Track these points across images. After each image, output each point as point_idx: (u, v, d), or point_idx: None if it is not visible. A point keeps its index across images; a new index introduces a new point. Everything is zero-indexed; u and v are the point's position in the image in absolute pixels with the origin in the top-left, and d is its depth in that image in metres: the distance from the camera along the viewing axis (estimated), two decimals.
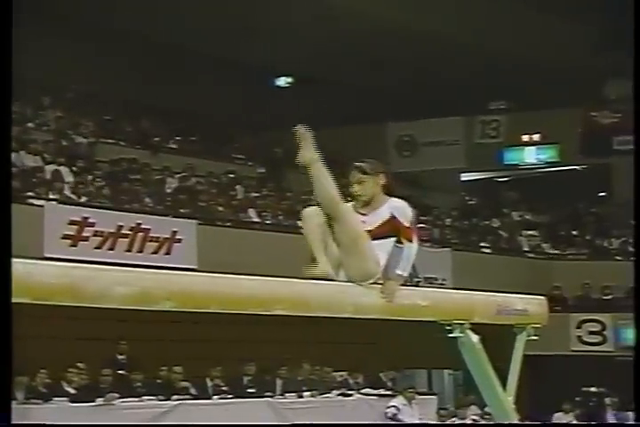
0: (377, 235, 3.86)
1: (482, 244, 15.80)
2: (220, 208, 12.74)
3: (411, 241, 3.93)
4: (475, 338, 4.12)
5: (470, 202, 18.37)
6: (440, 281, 13.41)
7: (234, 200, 13.36)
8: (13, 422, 2.52)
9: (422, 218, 15.71)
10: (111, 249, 10.06)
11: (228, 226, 12.15)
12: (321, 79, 17.53)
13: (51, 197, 10.49)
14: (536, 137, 18.44)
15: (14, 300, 2.61)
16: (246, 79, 17.08)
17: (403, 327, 5.65)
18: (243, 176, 14.64)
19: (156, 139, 15.06)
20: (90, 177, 11.73)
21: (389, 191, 4.00)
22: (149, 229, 10.51)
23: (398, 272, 3.84)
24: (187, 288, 3.13)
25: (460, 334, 4.06)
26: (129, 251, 10.22)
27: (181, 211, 11.88)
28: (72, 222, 9.81)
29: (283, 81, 18.92)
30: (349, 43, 16.12)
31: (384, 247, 3.86)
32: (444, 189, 18.04)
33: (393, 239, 3.90)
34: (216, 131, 16.72)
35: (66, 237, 9.69)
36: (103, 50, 15.12)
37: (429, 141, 18.70)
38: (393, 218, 3.90)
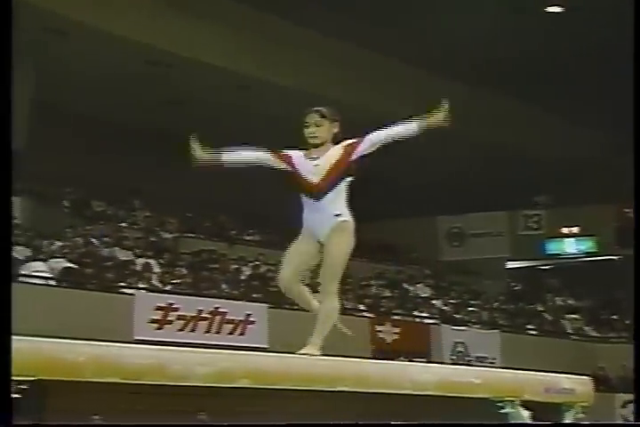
0: (334, 176, 3.66)
1: (528, 326, 15.38)
2: None
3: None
4: (525, 414, 3.98)
5: (516, 288, 18.08)
6: (490, 360, 13.03)
7: None
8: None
9: (472, 302, 15.49)
10: (192, 331, 10.11)
11: (296, 309, 12.09)
12: (377, 177, 17.77)
13: (140, 286, 10.66)
14: (575, 230, 18.25)
15: (108, 379, 2.62)
16: None
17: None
18: None
19: (233, 232, 15.27)
20: (174, 267, 11.89)
21: (337, 141, 3.77)
22: (226, 313, 10.56)
23: (415, 123, 3.73)
24: (261, 367, 3.12)
25: (511, 410, 3.93)
26: (208, 332, 10.26)
27: (254, 296, 11.92)
28: (158, 308, 9.92)
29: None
30: (403, 145, 16.40)
31: (341, 192, 3.70)
32: (491, 276, 17.81)
33: (344, 182, 3.71)
34: (284, 224, 16.90)
35: (153, 321, 9.77)
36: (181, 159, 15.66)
37: (477, 233, 18.64)
38: (350, 144, 3.71)
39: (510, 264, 19.10)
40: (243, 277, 12.91)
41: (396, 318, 13.12)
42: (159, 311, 9.90)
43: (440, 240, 18.72)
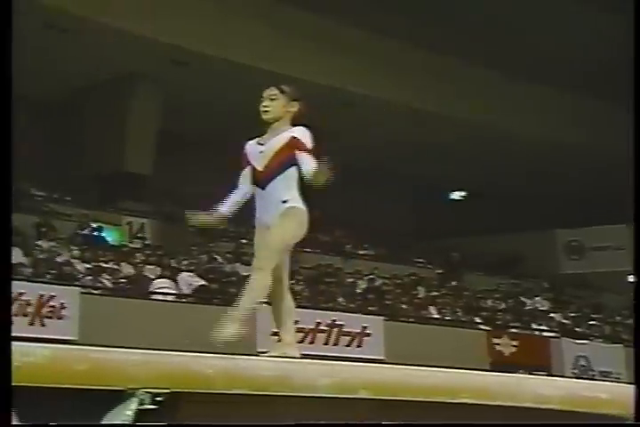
0: (276, 163, 3.40)
1: None
2: (404, 306, 12.67)
3: (310, 156, 3.41)
4: None
5: None
6: (615, 375, 12.46)
7: (416, 299, 13.25)
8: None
9: (593, 315, 14.90)
10: (311, 343, 10.21)
11: (412, 322, 12.05)
12: (496, 191, 17.52)
13: (262, 300, 10.81)
14: None
15: (237, 391, 2.68)
16: (426, 194, 17.37)
17: None
18: (423, 277, 14.55)
19: (348, 246, 15.36)
20: (294, 281, 12.07)
21: (297, 123, 3.48)
22: (343, 325, 10.62)
23: (310, 167, 3.37)
24: (381, 379, 3.11)
25: None
26: (326, 344, 10.33)
27: (370, 308, 11.93)
28: None
29: (456, 195, 19.00)
30: (518, 160, 16.26)
31: (289, 178, 3.41)
32: (613, 290, 17.09)
33: (294, 168, 3.41)
34: (399, 239, 16.87)
35: (274, 333, 9.92)
36: None
37: (597, 246, 18.00)
38: (294, 138, 3.41)
39: (633, 278, 18.28)
40: (358, 291, 12.94)
41: (513, 331, 12.79)
42: None
43: (558, 253, 18.20)
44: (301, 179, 3.50)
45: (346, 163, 16.49)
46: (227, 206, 3.70)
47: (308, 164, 3.40)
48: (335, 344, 10.43)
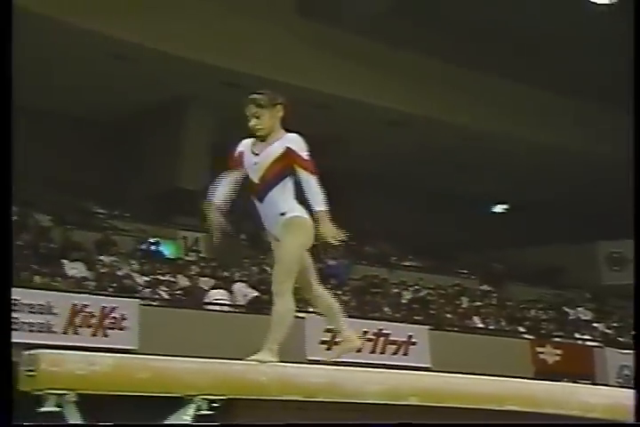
0: (271, 176, 3.25)
1: None
2: (449, 315, 12.55)
3: (310, 173, 3.25)
4: None
5: None
6: None
7: (460, 309, 13.11)
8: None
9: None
10: (359, 351, 10.11)
11: (456, 331, 11.93)
12: (538, 203, 17.32)
13: (310, 310, 10.84)
14: None
15: (289, 397, 2.69)
16: (468, 208, 17.26)
17: None
18: (467, 288, 14.39)
19: (393, 258, 15.28)
20: (340, 292, 12.05)
21: (286, 123, 3.34)
22: (389, 334, 10.57)
23: (318, 209, 3.22)
24: (429, 386, 3.09)
25: None
26: (373, 352, 10.29)
27: (415, 318, 11.84)
28: (327, 330, 10.05)
29: (499, 208, 18.83)
30: (560, 173, 16.07)
31: (286, 189, 3.27)
32: None
33: (289, 178, 3.27)
34: (443, 250, 16.74)
35: (322, 342, 9.92)
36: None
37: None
38: (289, 150, 3.27)
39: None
40: (404, 301, 12.86)
41: (557, 340, 12.55)
42: (328, 333, 10.03)
43: (600, 265, 17.82)
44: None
45: (390, 178, 16.67)
46: (219, 196, 3.53)
47: (309, 177, 3.29)
48: (382, 353, 10.37)
